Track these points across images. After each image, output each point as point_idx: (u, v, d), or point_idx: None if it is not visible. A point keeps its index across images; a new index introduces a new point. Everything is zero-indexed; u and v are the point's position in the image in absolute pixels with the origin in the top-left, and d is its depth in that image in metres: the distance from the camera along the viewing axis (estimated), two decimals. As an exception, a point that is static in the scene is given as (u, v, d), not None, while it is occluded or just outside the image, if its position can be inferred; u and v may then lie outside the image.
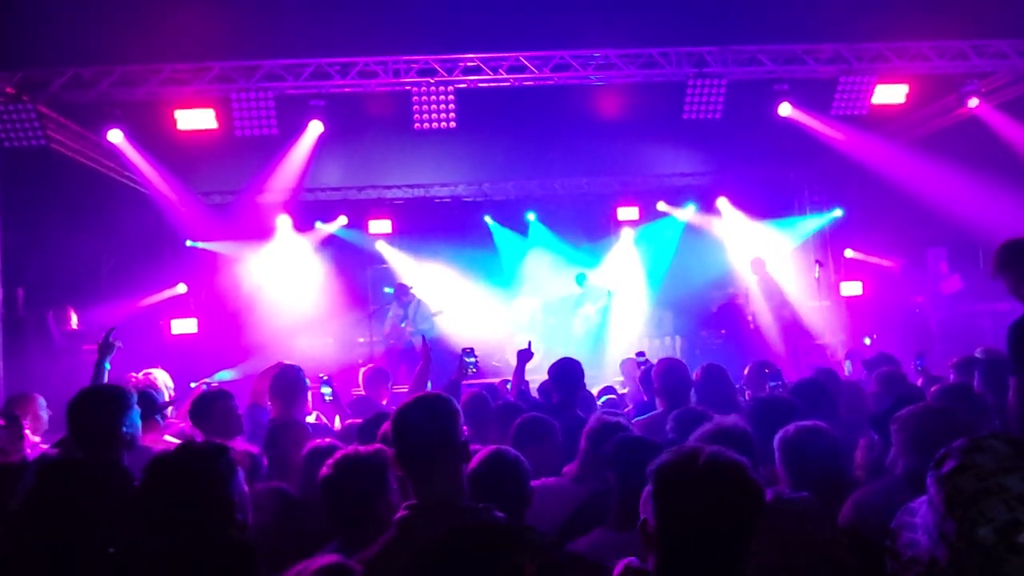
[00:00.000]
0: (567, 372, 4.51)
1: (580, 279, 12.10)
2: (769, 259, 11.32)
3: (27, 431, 4.07)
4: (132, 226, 11.43)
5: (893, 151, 10.45)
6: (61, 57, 8.52)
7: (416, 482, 2.12)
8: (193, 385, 8.62)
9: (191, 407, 4.02)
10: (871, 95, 9.07)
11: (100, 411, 2.87)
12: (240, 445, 3.12)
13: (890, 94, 9.14)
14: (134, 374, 4.42)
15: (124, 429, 2.86)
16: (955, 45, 9.11)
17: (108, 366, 4.12)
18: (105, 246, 11.10)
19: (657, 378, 4.33)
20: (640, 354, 6.09)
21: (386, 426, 2.70)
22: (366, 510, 2.39)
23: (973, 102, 9.37)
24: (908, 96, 9.19)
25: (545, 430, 3.49)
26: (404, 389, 7.31)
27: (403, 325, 11.01)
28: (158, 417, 4.19)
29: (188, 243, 12.38)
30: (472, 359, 4.76)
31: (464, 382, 4.92)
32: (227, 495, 1.92)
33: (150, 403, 4.06)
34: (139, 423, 2.96)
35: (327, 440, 3.32)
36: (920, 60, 9.14)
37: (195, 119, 8.71)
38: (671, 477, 1.57)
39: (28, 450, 4.14)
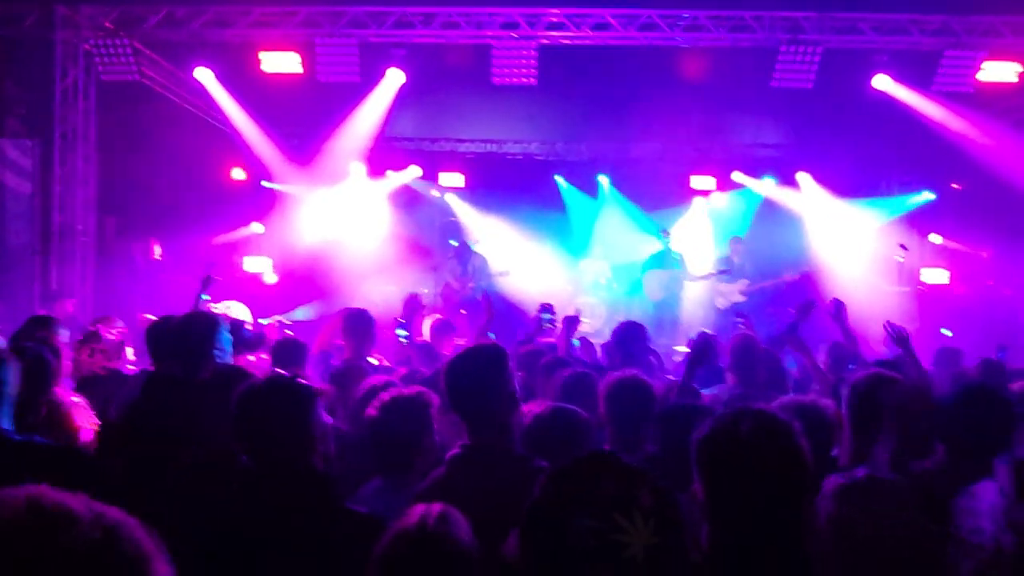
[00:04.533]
0: (628, 335, 4.50)
1: (661, 234, 11.50)
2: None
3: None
4: (213, 164, 11.81)
5: (996, 133, 9.81)
6: (156, -6, 8.78)
7: (469, 425, 2.26)
8: (264, 322, 8.95)
9: (272, 350, 4.22)
10: (977, 71, 8.51)
11: (195, 333, 3.04)
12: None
13: (1000, 72, 8.57)
14: (213, 306, 4.63)
15: (216, 351, 3.04)
16: (1079, 22, 8.44)
17: (207, 296, 4.36)
18: (187, 181, 11.51)
19: (732, 354, 4.27)
20: (739, 314, 5.94)
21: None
22: (408, 451, 2.49)
23: (1092, 85, 8.69)
24: (1021, 75, 8.59)
25: (589, 385, 3.46)
26: (463, 342, 7.40)
27: (455, 280, 11.02)
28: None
29: (264, 183, 12.70)
30: (549, 315, 4.80)
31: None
32: (308, 427, 2.00)
33: (237, 333, 4.25)
34: (229, 348, 3.14)
35: (383, 379, 3.40)
36: (1037, 36, 8.52)
37: (280, 62, 8.86)
38: (714, 447, 1.56)
39: (131, 367, 4.43)
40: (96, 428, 2.95)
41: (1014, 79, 8.64)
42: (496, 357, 2.30)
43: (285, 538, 1.83)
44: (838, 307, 4.89)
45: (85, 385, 3.73)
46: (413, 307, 5.02)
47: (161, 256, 9.85)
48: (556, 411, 2.64)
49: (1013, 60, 8.55)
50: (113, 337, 4.17)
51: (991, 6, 8.56)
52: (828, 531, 1.77)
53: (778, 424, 1.55)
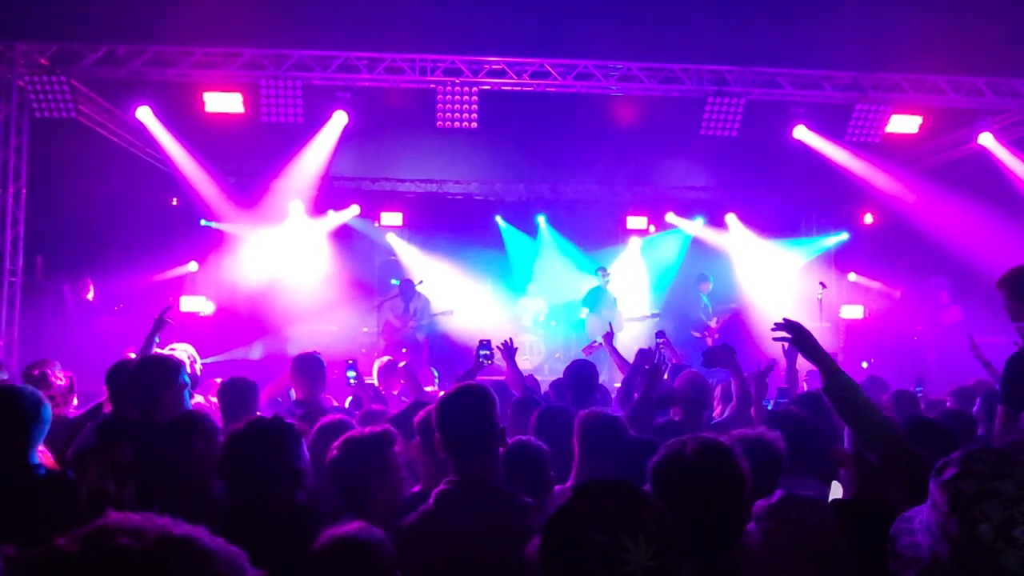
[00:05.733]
0: (582, 373, 4.70)
1: (598, 273, 11.70)
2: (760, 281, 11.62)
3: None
4: (150, 202, 11.61)
5: (903, 179, 10.64)
6: (95, 33, 8.71)
7: (457, 462, 2.34)
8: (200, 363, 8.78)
9: (220, 391, 4.20)
10: (885, 124, 9.26)
11: (151, 377, 3.06)
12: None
13: (904, 124, 9.34)
14: (159, 350, 4.59)
15: (174, 396, 3.07)
16: (970, 81, 9.31)
17: (158, 339, 4.32)
18: (122, 220, 11.27)
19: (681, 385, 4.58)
20: (659, 334, 6.21)
21: (423, 412, 2.86)
22: (366, 490, 2.49)
23: (984, 137, 9.56)
24: (921, 127, 9.39)
25: (566, 420, 3.66)
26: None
27: (396, 319, 11.07)
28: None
29: (203, 222, 12.54)
30: (487, 351, 4.92)
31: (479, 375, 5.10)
32: (295, 464, 2.10)
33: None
34: (187, 395, 3.15)
35: (336, 417, 3.44)
36: (936, 93, 9.33)
37: (223, 102, 8.88)
38: (665, 473, 1.80)
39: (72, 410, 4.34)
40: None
41: (916, 130, 9.43)
42: (486, 396, 2.40)
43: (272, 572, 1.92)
44: (768, 368, 5.13)
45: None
46: (389, 372, 5.16)
47: (93, 295, 9.57)
48: (523, 445, 2.80)
49: (916, 113, 9.35)
50: (62, 382, 4.11)
51: (895, 64, 9.37)
52: (753, 544, 2.00)
53: (720, 447, 1.78)
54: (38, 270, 9.70)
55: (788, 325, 2.75)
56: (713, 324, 11.05)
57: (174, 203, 12.21)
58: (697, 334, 10.87)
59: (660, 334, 6.25)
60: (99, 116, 9.78)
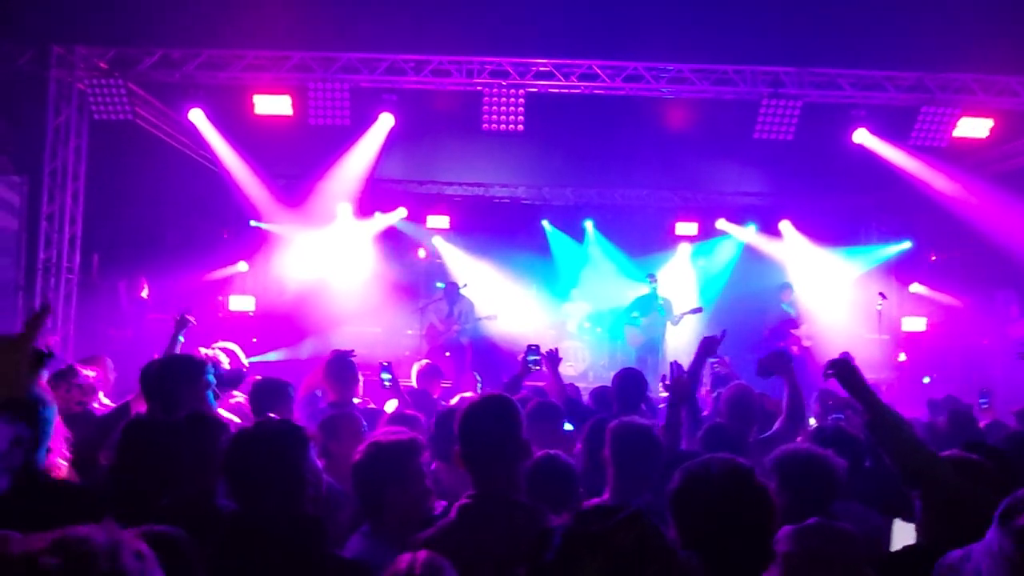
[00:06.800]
0: (630, 381, 4.54)
1: (648, 279, 11.47)
2: (798, 289, 11.19)
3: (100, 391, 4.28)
4: (202, 202, 11.84)
5: (971, 186, 10.10)
6: (152, 37, 8.92)
7: (477, 476, 2.23)
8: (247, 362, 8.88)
9: (252, 391, 4.17)
10: (953, 127, 8.81)
11: (171, 376, 3.03)
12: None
13: (973, 128, 8.87)
14: (203, 349, 4.60)
15: (196, 395, 3.04)
16: (1046, 82, 8.79)
17: (182, 339, 4.33)
18: (175, 220, 11.53)
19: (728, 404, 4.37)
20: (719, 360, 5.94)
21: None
22: (382, 498, 2.41)
23: (1060, 142, 9.01)
24: (992, 131, 8.89)
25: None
26: (448, 384, 7.40)
27: (440, 323, 11.03)
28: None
29: (252, 223, 12.74)
30: (536, 356, 4.82)
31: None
32: (300, 471, 2.01)
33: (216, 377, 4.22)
34: (211, 393, 3.12)
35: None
36: (1008, 95, 8.85)
37: (272, 104, 8.98)
38: (683, 500, 1.74)
39: (97, 405, 4.36)
40: (71, 466, 2.92)
41: (985, 134, 8.94)
42: (509, 408, 2.30)
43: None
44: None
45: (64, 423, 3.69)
46: (428, 375, 5.11)
47: (148, 294, 9.79)
48: (551, 459, 2.67)
49: (986, 116, 8.86)
50: (91, 376, 4.14)
51: (963, 64, 8.90)
52: (779, 568, 1.85)
53: (741, 468, 1.66)
54: (95, 268, 9.97)
55: (835, 363, 2.76)
56: (802, 333, 10.60)
57: (225, 236, 12.47)
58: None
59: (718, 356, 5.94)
60: (154, 118, 10.01)
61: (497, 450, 2.21)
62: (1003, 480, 2.36)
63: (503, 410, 2.27)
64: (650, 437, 2.92)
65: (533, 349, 4.89)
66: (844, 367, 2.70)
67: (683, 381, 4.00)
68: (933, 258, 12.50)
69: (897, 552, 2.46)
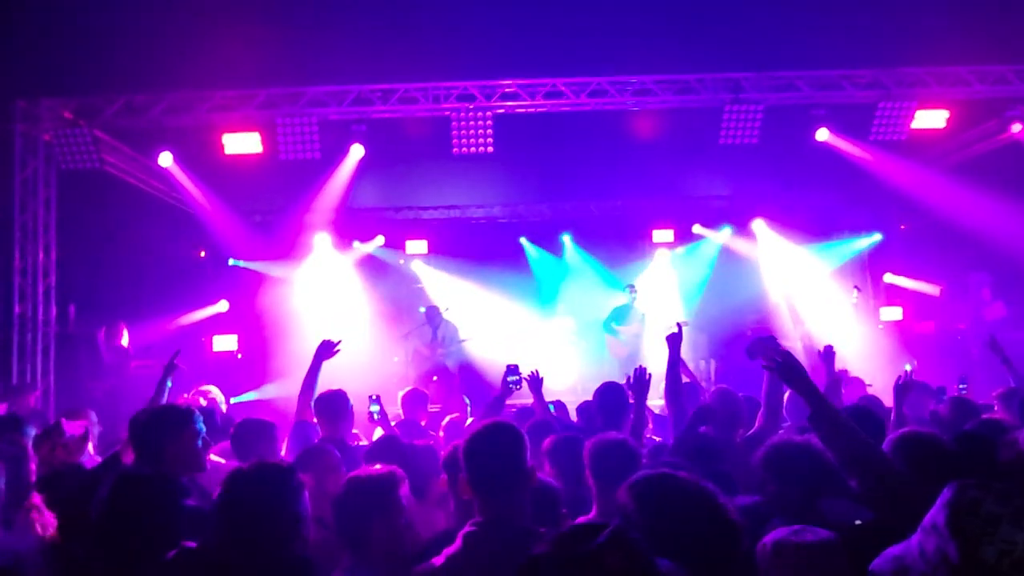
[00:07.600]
0: (609, 396, 4.57)
1: (627, 290, 11.65)
2: (793, 287, 11.31)
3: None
4: (178, 245, 11.79)
5: (933, 176, 10.33)
6: (114, 84, 8.92)
7: (483, 502, 2.26)
8: (233, 400, 8.82)
9: (232, 437, 4.15)
10: (911, 120, 9.02)
11: (157, 427, 3.01)
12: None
13: (930, 119, 9.08)
14: (186, 395, 4.58)
15: (185, 445, 3.01)
16: (996, 70, 9.04)
17: (170, 384, 4.32)
18: (151, 264, 11.46)
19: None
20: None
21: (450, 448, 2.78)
22: (368, 531, 2.42)
23: (1016, 127, 9.25)
24: (949, 121, 9.13)
25: (578, 449, 3.54)
26: (436, 408, 7.40)
27: (425, 347, 11.04)
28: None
29: (231, 262, 12.69)
30: (515, 377, 4.84)
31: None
32: (296, 510, 2.03)
33: (208, 421, 4.19)
34: (200, 441, 3.09)
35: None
36: (961, 85, 9.08)
37: (241, 143, 9.00)
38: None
39: (85, 458, 4.32)
40: (59, 526, 2.89)
41: (943, 125, 9.16)
42: (515, 435, 2.33)
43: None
44: (828, 353, 5.12)
45: (45, 484, 3.63)
46: (413, 402, 5.14)
47: (127, 341, 9.70)
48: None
49: (942, 108, 9.08)
50: (77, 431, 4.11)
51: (917, 58, 9.13)
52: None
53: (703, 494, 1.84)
54: (71, 319, 9.87)
55: (778, 359, 2.85)
56: (801, 333, 10.73)
57: (202, 255, 12.42)
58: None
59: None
60: (124, 164, 9.98)
61: (504, 477, 2.24)
62: (957, 466, 2.48)
63: (507, 439, 2.30)
64: (626, 449, 2.97)
65: (513, 369, 4.92)
66: (788, 364, 2.79)
67: (644, 380, 4.14)
68: (903, 227, 12.69)
69: (855, 527, 2.53)
